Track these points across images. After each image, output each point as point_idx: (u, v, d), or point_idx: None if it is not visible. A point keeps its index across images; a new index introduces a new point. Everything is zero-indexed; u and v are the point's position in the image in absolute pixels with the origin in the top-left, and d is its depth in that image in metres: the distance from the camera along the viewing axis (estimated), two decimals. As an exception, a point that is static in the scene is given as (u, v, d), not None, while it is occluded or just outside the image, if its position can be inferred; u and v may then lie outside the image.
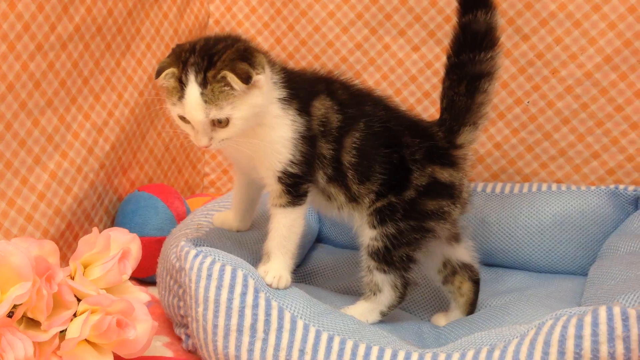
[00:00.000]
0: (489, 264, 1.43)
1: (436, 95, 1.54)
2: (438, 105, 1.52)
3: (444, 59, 1.50)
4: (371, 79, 1.59)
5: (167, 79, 1.02)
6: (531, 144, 1.53)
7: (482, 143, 1.54)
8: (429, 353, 0.99)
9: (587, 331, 0.89)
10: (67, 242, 1.34)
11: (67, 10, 1.28)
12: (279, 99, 1.07)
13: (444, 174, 1.15)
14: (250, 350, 1.02)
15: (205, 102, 0.99)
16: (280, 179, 1.09)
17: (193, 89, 1.00)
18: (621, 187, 1.41)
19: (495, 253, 1.43)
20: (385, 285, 1.15)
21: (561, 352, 0.90)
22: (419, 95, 1.57)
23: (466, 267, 1.23)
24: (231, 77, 0.99)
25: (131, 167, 1.52)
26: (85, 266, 1.05)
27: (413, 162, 1.14)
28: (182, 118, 1.03)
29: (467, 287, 1.23)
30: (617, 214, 1.39)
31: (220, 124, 1.01)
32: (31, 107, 1.24)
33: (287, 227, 1.11)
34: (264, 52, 1.10)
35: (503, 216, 1.42)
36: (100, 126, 1.40)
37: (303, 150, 1.08)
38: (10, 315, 0.96)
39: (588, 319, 0.90)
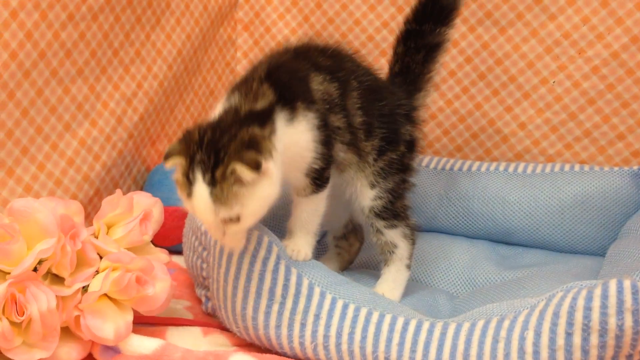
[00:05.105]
0: (509, 242, 1.42)
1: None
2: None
3: (470, 37, 1.53)
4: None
5: (175, 170, 0.95)
6: (556, 125, 1.50)
7: (506, 122, 1.53)
8: (439, 322, 1.00)
9: (596, 303, 0.88)
10: (95, 208, 1.35)
11: (98, -19, 1.29)
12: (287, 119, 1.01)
13: (414, 132, 1.21)
14: (267, 313, 1.03)
15: (214, 202, 0.90)
16: (306, 175, 1.06)
17: (201, 188, 0.91)
18: (644, 168, 1.37)
19: (515, 232, 1.41)
20: (398, 239, 1.17)
21: (569, 323, 0.89)
22: (444, 74, 1.55)
23: (361, 229, 1.30)
24: (240, 169, 0.89)
25: (159, 138, 1.53)
26: (109, 227, 1.08)
27: (398, 116, 1.18)
28: None
29: (355, 248, 1.30)
30: (639, 195, 1.36)
31: (231, 220, 0.93)
32: (62, 75, 1.25)
33: (309, 211, 1.10)
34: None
35: (524, 195, 1.40)
36: (129, 97, 1.41)
37: (323, 138, 1.04)
38: (35, 270, 0.98)
39: (598, 292, 0.89)
